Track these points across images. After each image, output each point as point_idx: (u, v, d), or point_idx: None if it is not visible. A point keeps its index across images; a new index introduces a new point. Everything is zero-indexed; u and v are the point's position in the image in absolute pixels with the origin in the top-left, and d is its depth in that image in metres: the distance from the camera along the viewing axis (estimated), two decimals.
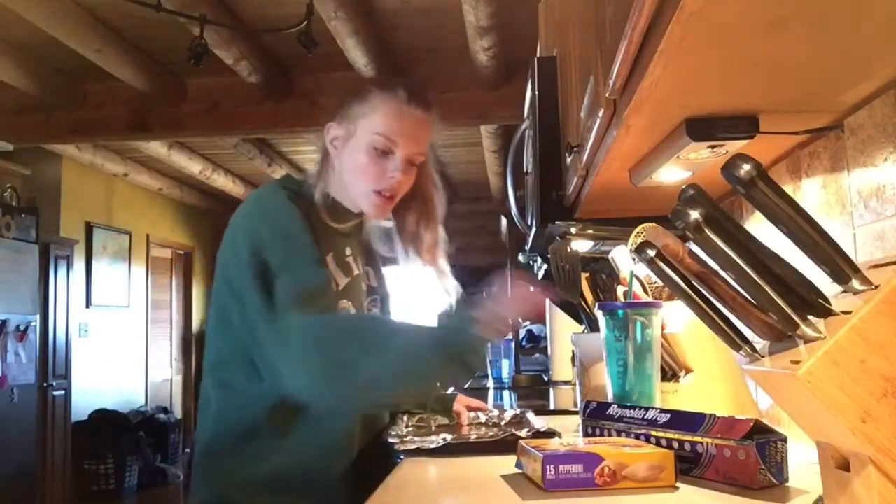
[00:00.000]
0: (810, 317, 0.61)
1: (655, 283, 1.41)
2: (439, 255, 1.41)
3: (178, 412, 7.19)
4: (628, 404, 1.12)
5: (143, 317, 6.71)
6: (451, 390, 1.54)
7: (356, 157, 1.29)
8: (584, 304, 1.59)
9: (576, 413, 1.60)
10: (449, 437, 1.23)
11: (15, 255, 4.67)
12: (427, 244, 1.39)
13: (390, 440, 1.25)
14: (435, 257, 1.40)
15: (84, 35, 3.47)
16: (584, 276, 1.58)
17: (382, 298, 1.46)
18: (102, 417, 5.54)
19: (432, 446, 1.20)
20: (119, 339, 6.27)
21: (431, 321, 1.35)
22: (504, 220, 4.98)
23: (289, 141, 5.65)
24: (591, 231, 1.67)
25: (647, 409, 1.06)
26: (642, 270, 1.29)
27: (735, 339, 0.70)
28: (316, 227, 1.25)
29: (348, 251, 1.33)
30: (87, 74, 4.12)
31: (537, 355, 3.81)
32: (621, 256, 1.41)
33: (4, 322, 4.59)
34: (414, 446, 1.20)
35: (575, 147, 1.39)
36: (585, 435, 1.14)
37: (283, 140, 5.63)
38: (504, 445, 1.18)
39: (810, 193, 1.20)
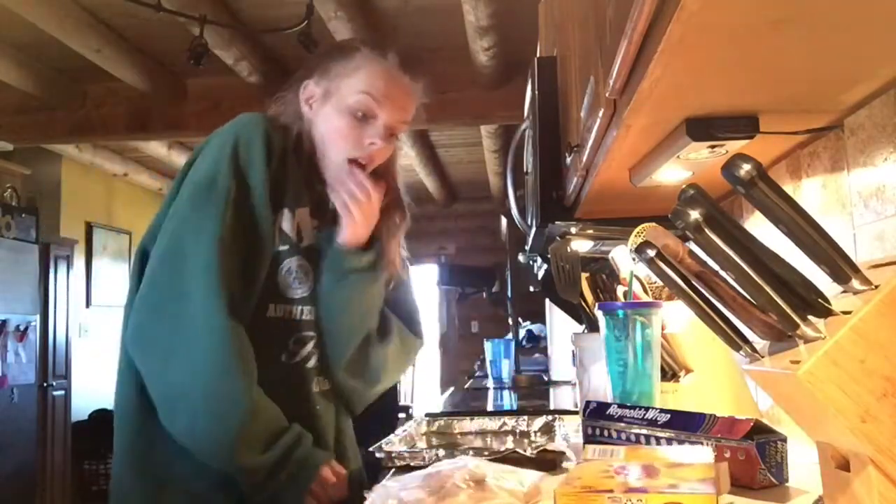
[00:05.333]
0: (810, 317, 0.61)
1: (655, 283, 1.41)
2: (398, 224, 1.28)
3: None
4: (628, 404, 1.12)
5: None
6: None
7: (334, 118, 1.17)
8: (584, 304, 1.59)
9: (576, 413, 1.60)
10: (442, 452, 1.13)
11: (15, 255, 4.67)
12: (389, 224, 1.26)
13: (377, 455, 1.15)
14: (397, 237, 1.27)
15: (84, 35, 3.47)
16: (584, 276, 1.58)
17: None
18: (102, 417, 5.53)
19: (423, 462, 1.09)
20: (119, 339, 6.26)
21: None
22: (504, 220, 4.99)
23: None
24: (591, 231, 1.67)
25: (647, 409, 1.06)
26: (642, 270, 1.29)
27: (735, 339, 0.70)
28: (291, 171, 1.15)
29: (315, 222, 1.20)
30: (87, 74, 4.12)
31: (537, 355, 3.81)
32: (621, 256, 1.41)
33: (4, 322, 4.59)
34: (403, 462, 1.12)
35: (575, 147, 1.39)
36: (586, 435, 1.13)
37: None
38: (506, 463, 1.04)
39: (810, 193, 1.20)
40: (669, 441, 0.98)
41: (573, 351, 1.52)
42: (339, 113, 1.17)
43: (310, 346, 1.17)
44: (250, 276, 1.10)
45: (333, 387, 1.22)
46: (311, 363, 1.18)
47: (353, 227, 1.16)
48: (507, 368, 3.10)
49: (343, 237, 1.16)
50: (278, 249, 1.14)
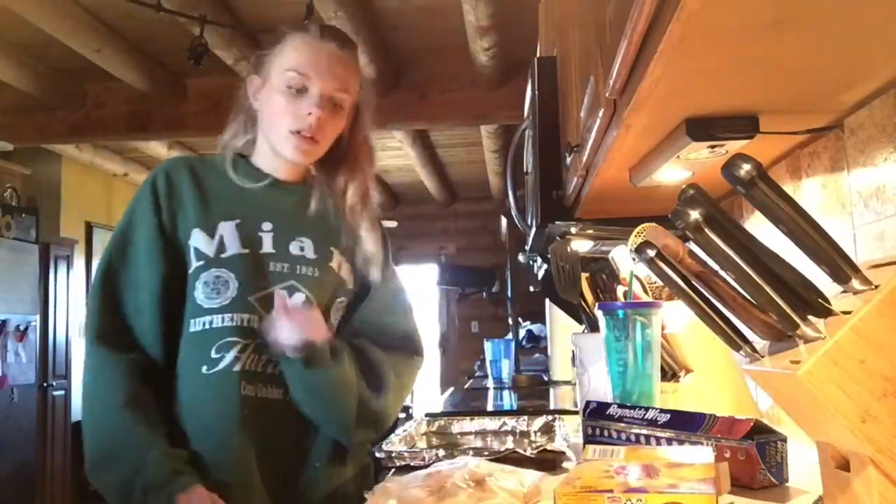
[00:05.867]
0: (810, 317, 0.61)
1: (655, 283, 1.41)
2: (364, 216, 1.30)
3: None
4: (628, 404, 1.12)
5: None
6: None
7: (272, 100, 1.22)
8: (584, 304, 1.59)
9: (576, 413, 1.60)
10: (442, 452, 1.13)
11: (15, 255, 4.67)
12: (350, 203, 1.29)
13: (377, 455, 1.16)
14: (358, 220, 1.29)
15: (84, 35, 3.47)
16: (584, 276, 1.58)
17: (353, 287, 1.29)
18: None
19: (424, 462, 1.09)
20: None
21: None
22: (504, 220, 4.99)
23: None
24: (591, 231, 1.67)
25: (647, 409, 1.06)
26: (642, 270, 1.29)
27: (735, 339, 0.70)
28: (212, 191, 1.23)
29: (267, 226, 1.23)
30: (87, 74, 4.12)
31: (537, 355, 3.81)
32: (621, 256, 1.41)
33: (4, 322, 4.59)
34: (403, 462, 1.12)
35: (575, 147, 1.39)
36: (586, 435, 1.13)
37: None
38: (506, 463, 1.04)
39: (810, 193, 1.20)
40: (669, 441, 0.98)
41: (573, 351, 1.52)
42: (275, 93, 1.22)
43: (233, 351, 1.16)
44: (162, 299, 1.19)
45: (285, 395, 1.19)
46: (237, 367, 1.16)
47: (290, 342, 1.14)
48: (507, 368, 3.10)
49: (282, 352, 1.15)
50: (193, 267, 1.19)
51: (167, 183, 1.24)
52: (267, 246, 1.22)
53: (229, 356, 1.16)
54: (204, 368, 1.16)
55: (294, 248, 1.23)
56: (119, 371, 1.14)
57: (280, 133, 1.22)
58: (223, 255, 1.19)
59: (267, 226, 1.23)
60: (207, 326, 1.17)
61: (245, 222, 1.22)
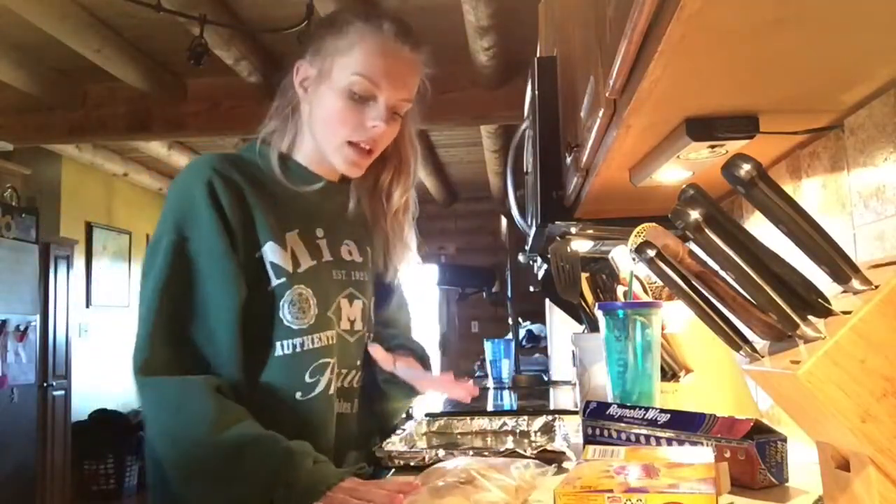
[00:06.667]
0: (810, 317, 0.61)
1: (655, 283, 1.41)
2: (406, 221, 1.24)
3: None
4: (628, 404, 1.12)
5: None
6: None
7: (330, 101, 1.09)
8: (584, 304, 1.59)
9: (576, 413, 1.60)
10: (442, 452, 1.11)
11: (15, 255, 4.67)
12: (395, 206, 1.22)
13: (377, 455, 1.13)
14: (402, 222, 1.23)
15: (84, 35, 3.47)
16: (584, 276, 1.58)
17: (382, 291, 1.28)
18: (102, 417, 5.53)
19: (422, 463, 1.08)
20: (119, 339, 6.26)
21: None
22: (504, 220, 4.98)
23: None
24: (591, 231, 1.67)
25: (647, 409, 1.06)
26: (642, 270, 1.29)
27: (735, 339, 0.70)
28: (270, 197, 1.09)
29: (320, 232, 1.14)
30: (87, 74, 4.12)
31: (537, 355, 3.81)
32: (621, 256, 1.41)
33: (4, 322, 4.59)
34: (403, 462, 1.11)
35: (575, 147, 1.39)
36: (586, 435, 1.13)
37: None
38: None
39: (810, 193, 1.20)
40: (669, 441, 0.98)
41: (573, 351, 1.52)
42: (335, 95, 1.08)
43: (327, 373, 1.09)
44: (227, 323, 1.03)
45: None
46: (332, 390, 1.11)
47: None
48: (507, 368, 3.10)
49: None
50: (274, 285, 1.07)
51: (227, 188, 1.05)
52: (326, 254, 1.14)
53: (324, 379, 1.09)
54: (298, 395, 1.07)
55: (344, 253, 1.17)
56: (206, 390, 0.98)
57: (335, 141, 1.10)
58: (300, 270, 1.09)
59: (320, 231, 1.14)
60: (298, 349, 1.07)
61: (304, 231, 1.12)
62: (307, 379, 1.07)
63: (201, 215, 1.03)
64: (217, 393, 0.98)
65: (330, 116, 1.09)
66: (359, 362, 1.19)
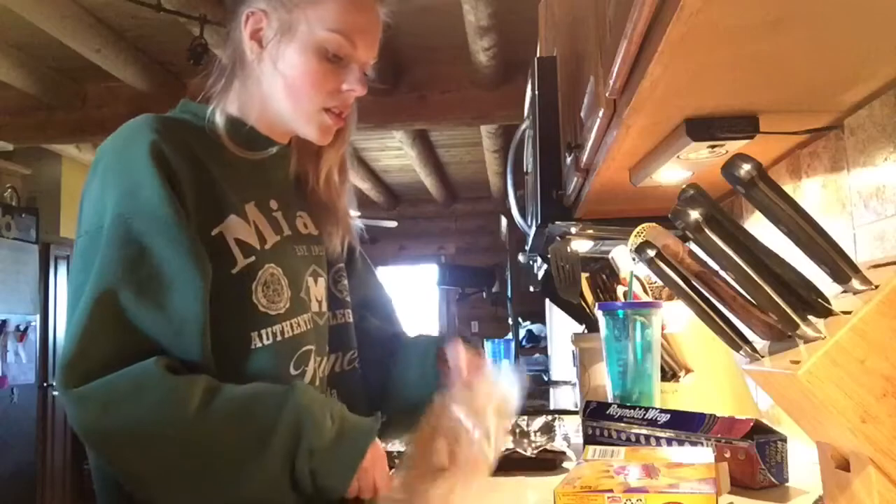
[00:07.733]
0: (810, 317, 0.61)
1: (655, 283, 1.41)
2: (343, 182, 1.08)
3: None
4: (628, 404, 1.12)
5: None
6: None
7: (301, 61, 0.93)
8: (584, 304, 1.59)
9: (576, 413, 1.60)
10: None
11: (15, 255, 4.67)
12: (328, 169, 1.06)
13: None
14: (340, 186, 1.08)
15: (84, 35, 3.47)
16: (584, 276, 1.58)
17: (337, 263, 1.09)
18: None
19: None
20: None
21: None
22: (504, 220, 4.99)
23: None
24: (591, 231, 1.67)
25: (647, 409, 1.06)
26: (642, 270, 1.29)
27: (735, 339, 0.70)
28: (223, 164, 0.94)
29: (274, 203, 0.99)
30: (87, 74, 4.12)
31: (537, 355, 3.81)
32: (621, 256, 1.41)
33: (4, 322, 4.59)
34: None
35: (575, 147, 1.39)
36: (586, 435, 1.13)
37: None
38: (506, 463, 1.02)
39: (810, 193, 1.20)
40: (669, 441, 0.98)
41: (573, 351, 1.52)
42: (306, 53, 0.94)
43: (311, 362, 0.96)
44: (185, 315, 0.84)
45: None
46: (317, 381, 0.98)
47: None
48: None
49: None
50: (240, 266, 0.90)
51: (177, 152, 0.89)
52: (285, 228, 0.99)
53: (309, 370, 0.96)
54: None
55: (300, 226, 1.03)
56: (160, 369, 0.81)
57: (310, 107, 0.95)
58: (266, 247, 0.93)
59: (274, 203, 0.99)
60: (279, 338, 0.92)
61: (259, 202, 0.97)
62: (292, 371, 0.93)
63: (148, 186, 0.85)
64: (172, 372, 0.81)
65: (301, 79, 0.94)
66: (327, 348, 1.04)
